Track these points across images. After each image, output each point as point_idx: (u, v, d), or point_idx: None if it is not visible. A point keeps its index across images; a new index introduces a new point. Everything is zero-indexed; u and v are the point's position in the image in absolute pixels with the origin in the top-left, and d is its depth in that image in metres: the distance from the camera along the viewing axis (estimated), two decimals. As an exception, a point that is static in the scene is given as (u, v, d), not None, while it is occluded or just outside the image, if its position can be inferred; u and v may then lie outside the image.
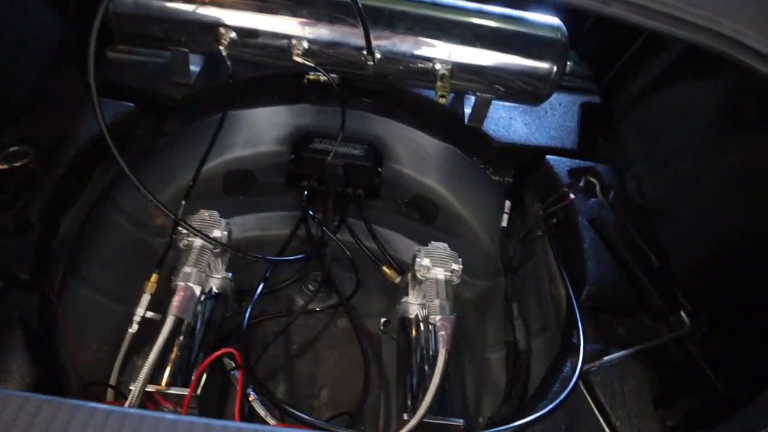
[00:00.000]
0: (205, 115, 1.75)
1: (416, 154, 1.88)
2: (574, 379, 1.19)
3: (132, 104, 1.59)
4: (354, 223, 1.73)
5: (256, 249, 1.69)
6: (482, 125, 1.73)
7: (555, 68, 1.57)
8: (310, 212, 1.68)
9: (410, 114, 1.86)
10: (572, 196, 1.57)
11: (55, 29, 1.69)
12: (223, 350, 1.29)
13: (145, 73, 1.69)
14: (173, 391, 1.23)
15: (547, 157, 1.67)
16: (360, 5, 1.45)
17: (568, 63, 1.64)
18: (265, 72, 1.76)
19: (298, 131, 1.88)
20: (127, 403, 1.19)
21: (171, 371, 1.30)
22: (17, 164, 1.41)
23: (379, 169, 1.80)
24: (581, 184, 1.63)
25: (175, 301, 1.30)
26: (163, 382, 1.27)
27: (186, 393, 1.22)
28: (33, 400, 0.90)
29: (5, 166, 1.40)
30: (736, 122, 1.36)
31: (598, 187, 1.64)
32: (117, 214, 1.58)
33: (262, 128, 1.86)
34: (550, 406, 1.13)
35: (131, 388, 1.22)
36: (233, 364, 1.35)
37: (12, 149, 1.43)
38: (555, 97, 1.76)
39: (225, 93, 1.72)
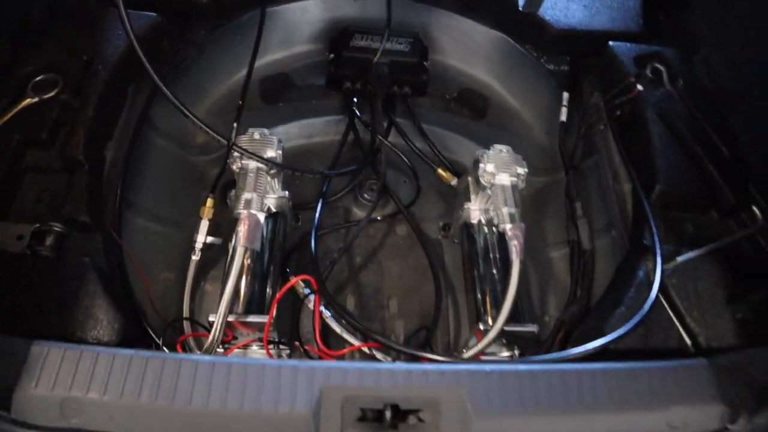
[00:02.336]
0: (232, 18, 1.59)
1: (463, 45, 1.74)
2: (656, 288, 1.18)
3: (154, 14, 1.44)
4: (402, 123, 1.63)
5: (303, 159, 1.64)
6: (539, 10, 1.57)
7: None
8: (358, 115, 1.58)
9: (454, -1, 1.70)
10: (640, 87, 1.47)
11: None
12: (299, 278, 1.28)
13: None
14: (252, 318, 1.24)
15: (611, 43, 1.54)
16: None
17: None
18: (294, -39, 1.58)
19: (333, 27, 1.72)
20: (210, 336, 1.20)
21: (245, 299, 1.30)
22: (48, 96, 1.31)
23: (425, 63, 1.67)
24: (648, 72, 1.52)
25: (242, 231, 1.27)
26: (240, 310, 1.28)
27: (266, 320, 1.23)
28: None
29: (36, 99, 1.30)
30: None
31: (665, 75, 1.52)
32: (158, 136, 1.49)
33: (295, 26, 1.70)
34: (637, 318, 1.13)
35: (210, 319, 1.23)
36: (303, 287, 1.36)
37: (39, 78, 1.33)
38: (616, -31, 1.58)
39: (253, -10, 1.56)
